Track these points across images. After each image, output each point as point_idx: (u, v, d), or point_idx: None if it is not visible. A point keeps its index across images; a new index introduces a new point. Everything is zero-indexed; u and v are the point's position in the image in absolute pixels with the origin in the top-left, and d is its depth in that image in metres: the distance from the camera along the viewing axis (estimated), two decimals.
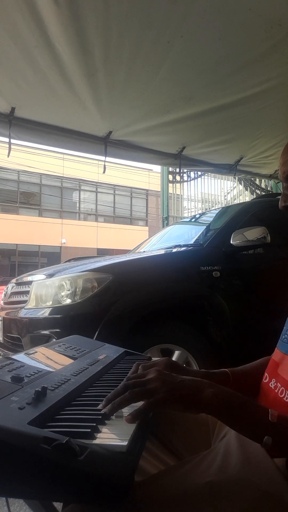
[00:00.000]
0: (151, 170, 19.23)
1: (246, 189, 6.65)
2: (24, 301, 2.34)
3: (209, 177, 7.05)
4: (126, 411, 0.61)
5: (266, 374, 0.79)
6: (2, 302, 2.73)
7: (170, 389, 0.59)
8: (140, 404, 0.59)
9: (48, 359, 0.86)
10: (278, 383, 0.73)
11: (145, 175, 19.80)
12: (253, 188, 6.54)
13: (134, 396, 0.58)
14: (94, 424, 0.54)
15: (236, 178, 5.80)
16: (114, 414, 0.60)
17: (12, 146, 2.81)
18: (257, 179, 6.29)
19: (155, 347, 2.10)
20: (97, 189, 20.06)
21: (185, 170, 5.98)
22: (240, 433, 0.61)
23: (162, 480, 0.61)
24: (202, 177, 6.92)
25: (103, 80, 2.27)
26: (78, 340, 1.15)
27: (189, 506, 0.55)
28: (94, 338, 1.89)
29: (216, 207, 6.55)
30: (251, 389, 0.82)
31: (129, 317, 2.08)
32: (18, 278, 2.79)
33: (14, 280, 2.76)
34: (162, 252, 2.74)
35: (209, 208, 6.93)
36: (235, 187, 7.35)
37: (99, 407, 0.60)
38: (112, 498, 0.44)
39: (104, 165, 3.29)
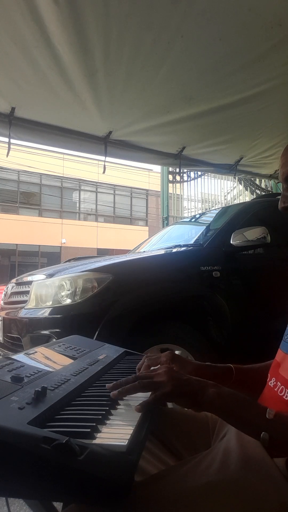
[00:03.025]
0: (151, 170, 19.20)
1: (246, 189, 6.64)
2: (24, 301, 2.34)
3: (209, 177, 7.04)
4: (124, 411, 0.63)
5: (268, 374, 0.79)
6: (2, 302, 2.73)
7: (176, 384, 0.63)
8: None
9: (48, 359, 0.86)
10: (278, 382, 0.73)
11: (145, 175, 19.78)
12: (253, 188, 6.54)
13: (143, 386, 0.63)
14: (94, 424, 0.54)
15: (236, 178, 5.80)
16: (114, 413, 0.61)
17: (12, 146, 2.81)
18: (257, 179, 6.29)
19: (155, 347, 2.10)
20: (97, 189, 20.04)
21: (185, 170, 5.98)
22: (240, 430, 0.64)
23: (162, 480, 0.61)
24: (202, 177, 6.91)
25: (103, 80, 2.27)
26: (78, 340, 1.15)
27: (189, 506, 0.55)
28: (94, 338, 1.89)
29: (216, 207, 6.54)
30: (255, 388, 0.82)
31: (129, 317, 2.08)
32: (18, 278, 2.79)
33: (14, 280, 2.76)
34: (162, 252, 2.74)
35: (209, 208, 6.93)
36: (235, 187, 7.34)
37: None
38: (112, 498, 0.44)
39: (104, 165, 3.29)
